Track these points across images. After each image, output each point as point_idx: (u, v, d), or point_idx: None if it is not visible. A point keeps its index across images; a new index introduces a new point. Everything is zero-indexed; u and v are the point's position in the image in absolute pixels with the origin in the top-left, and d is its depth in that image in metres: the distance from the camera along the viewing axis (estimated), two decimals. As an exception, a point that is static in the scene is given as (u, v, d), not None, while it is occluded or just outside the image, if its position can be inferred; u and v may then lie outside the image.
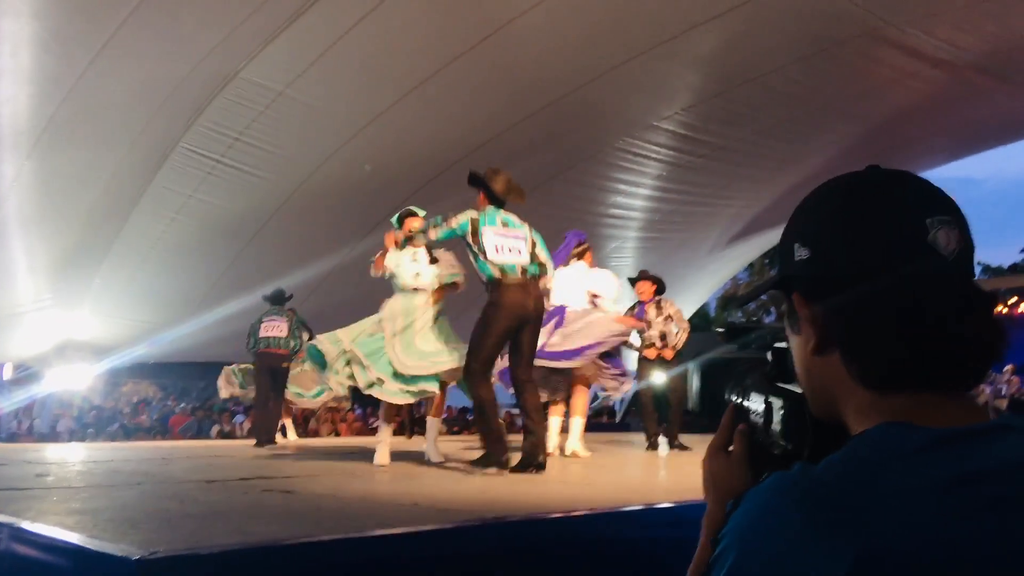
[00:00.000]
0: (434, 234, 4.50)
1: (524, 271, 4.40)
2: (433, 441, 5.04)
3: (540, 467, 4.22)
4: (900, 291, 0.77)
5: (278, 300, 8.31)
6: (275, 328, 7.99)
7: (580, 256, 6.25)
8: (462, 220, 4.46)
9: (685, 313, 16.40)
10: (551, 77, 9.30)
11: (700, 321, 18.92)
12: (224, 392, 8.97)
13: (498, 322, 4.30)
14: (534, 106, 9.72)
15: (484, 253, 4.36)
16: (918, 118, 10.75)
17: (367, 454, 5.92)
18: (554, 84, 9.43)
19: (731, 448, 0.99)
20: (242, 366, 8.74)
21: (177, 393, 17.08)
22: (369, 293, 10.34)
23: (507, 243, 4.38)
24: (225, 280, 10.49)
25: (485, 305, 4.39)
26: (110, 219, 10.26)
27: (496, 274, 4.35)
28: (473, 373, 4.31)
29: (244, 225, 10.71)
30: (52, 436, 12.26)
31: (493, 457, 4.22)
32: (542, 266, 4.52)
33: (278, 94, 8.93)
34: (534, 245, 4.56)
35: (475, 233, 4.41)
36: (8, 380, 13.45)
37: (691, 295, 15.31)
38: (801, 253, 0.83)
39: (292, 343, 7.97)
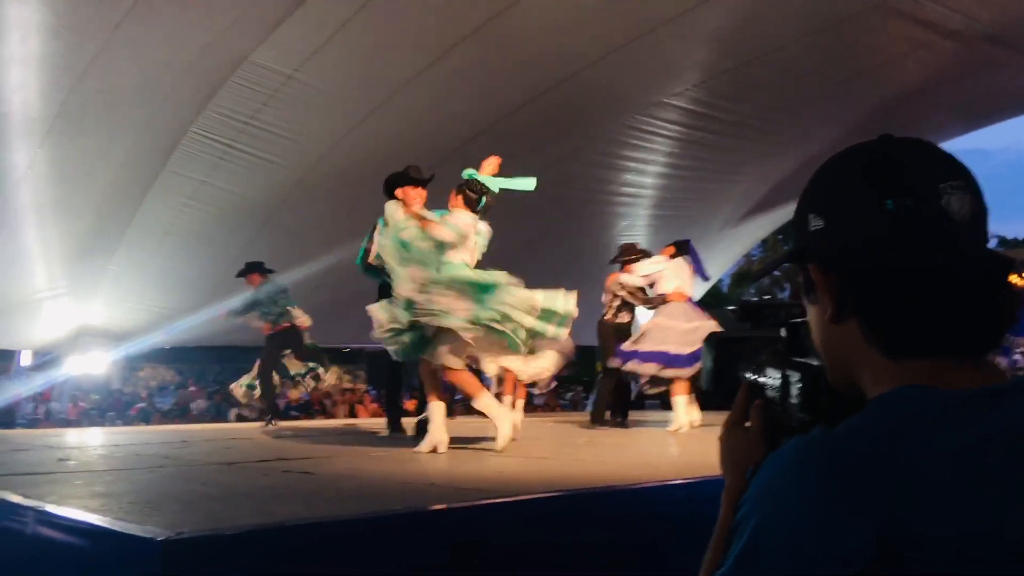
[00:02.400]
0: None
1: None
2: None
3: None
4: (914, 257, 0.78)
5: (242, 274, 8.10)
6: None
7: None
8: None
9: (699, 291, 16.36)
10: (560, 56, 9.26)
11: (713, 299, 18.86)
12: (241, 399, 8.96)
13: None
14: (543, 85, 9.68)
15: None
16: (930, 90, 10.64)
17: (384, 435, 5.97)
18: (563, 63, 9.38)
19: (747, 424, 1.00)
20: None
21: (194, 377, 17.22)
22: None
23: None
24: (239, 265, 10.52)
25: None
26: (123, 205, 10.31)
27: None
28: None
29: (257, 210, 10.74)
30: (72, 421, 12.39)
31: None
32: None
33: (287, 78, 8.92)
34: None
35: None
36: (27, 367, 13.58)
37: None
38: (816, 223, 0.84)
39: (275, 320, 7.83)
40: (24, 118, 8.80)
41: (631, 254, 7.25)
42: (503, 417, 4.31)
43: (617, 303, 7.24)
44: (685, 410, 6.33)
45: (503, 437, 4.21)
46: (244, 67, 8.73)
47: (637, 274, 6.97)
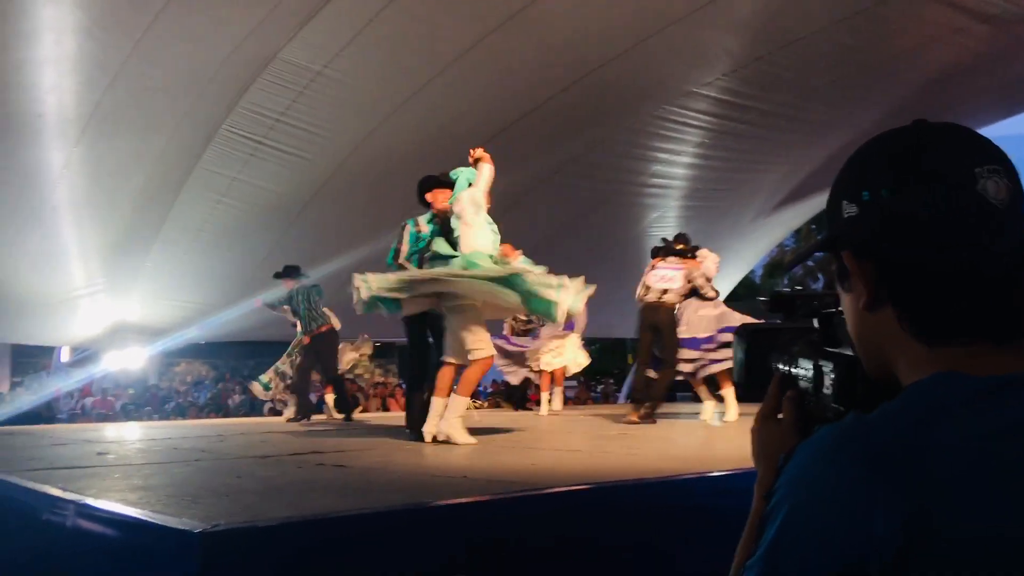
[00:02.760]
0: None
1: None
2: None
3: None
4: (951, 243, 0.76)
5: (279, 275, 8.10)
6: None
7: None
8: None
9: (731, 282, 16.25)
10: (588, 46, 9.22)
11: (746, 290, 18.70)
12: (261, 395, 9.06)
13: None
14: (571, 77, 9.64)
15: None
16: (965, 75, 10.45)
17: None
18: (591, 53, 9.34)
19: (780, 416, 0.99)
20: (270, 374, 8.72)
21: (229, 372, 17.44)
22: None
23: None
24: (272, 260, 10.63)
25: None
26: (158, 203, 10.45)
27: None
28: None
29: (288, 205, 10.83)
30: (110, 416, 12.61)
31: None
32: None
33: (316, 74, 8.98)
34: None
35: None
36: (66, 363, 13.84)
37: (736, 264, 15.14)
38: (849, 210, 0.82)
39: (307, 323, 7.81)
40: (59, 118, 8.95)
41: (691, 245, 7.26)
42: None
43: (685, 291, 7.05)
44: (734, 401, 6.44)
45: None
46: (273, 64, 8.80)
47: (712, 265, 7.02)
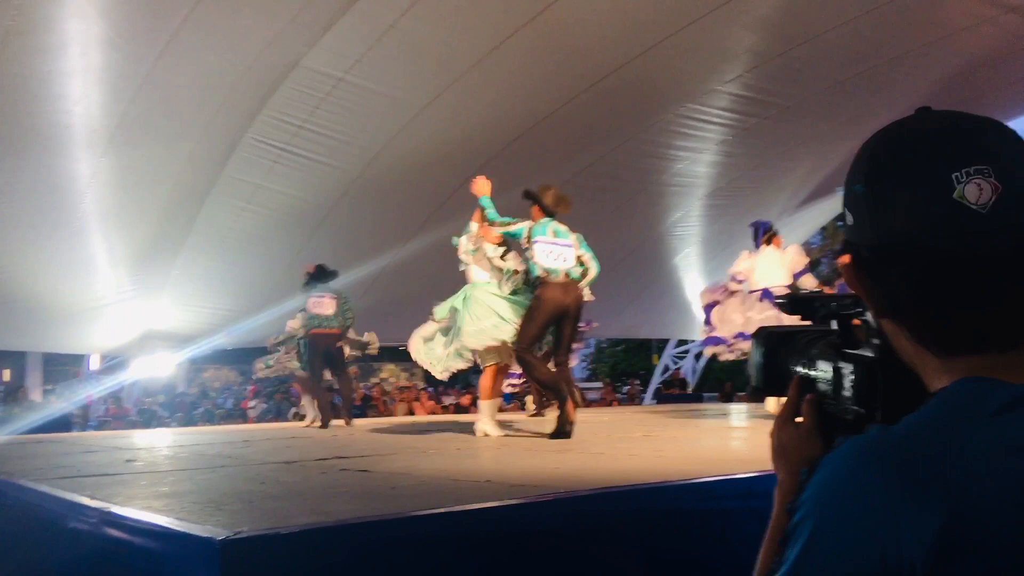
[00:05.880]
0: (499, 226, 5.34)
1: (567, 274, 5.14)
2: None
3: (567, 435, 4.88)
4: (929, 257, 0.72)
5: (322, 277, 7.88)
6: (322, 306, 7.61)
7: (768, 241, 7.10)
8: (519, 227, 5.25)
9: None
10: (609, 47, 9.19)
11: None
12: (260, 374, 9.07)
13: (540, 314, 5.06)
14: (593, 77, 9.62)
15: (534, 256, 5.14)
16: (993, 66, 10.30)
17: (440, 432, 6.01)
18: (612, 54, 9.31)
19: (799, 419, 0.98)
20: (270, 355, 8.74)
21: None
22: (439, 272, 10.43)
23: (555, 251, 5.15)
24: (297, 266, 10.70)
25: (531, 299, 5.13)
26: (184, 210, 10.56)
27: (541, 274, 5.09)
28: (517, 348, 5.09)
29: (312, 212, 10.91)
30: (138, 422, 12.76)
31: (560, 431, 4.89)
32: (585, 269, 5.30)
33: (338, 80, 9.03)
34: (580, 255, 5.32)
35: (528, 239, 5.20)
36: (96, 370, 14.02)
37: (761, 262, 15.00)
38: (848, 218, 0.80)
39: (343, 321, 7.65)
40: (86, 129, 9.07)
41: None
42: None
43: None
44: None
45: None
46: (296, 72, 8.86)
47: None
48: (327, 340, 7.59)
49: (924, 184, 0.73)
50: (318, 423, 7.48)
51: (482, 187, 5.55)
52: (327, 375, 7.87)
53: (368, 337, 8.36)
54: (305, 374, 8.13)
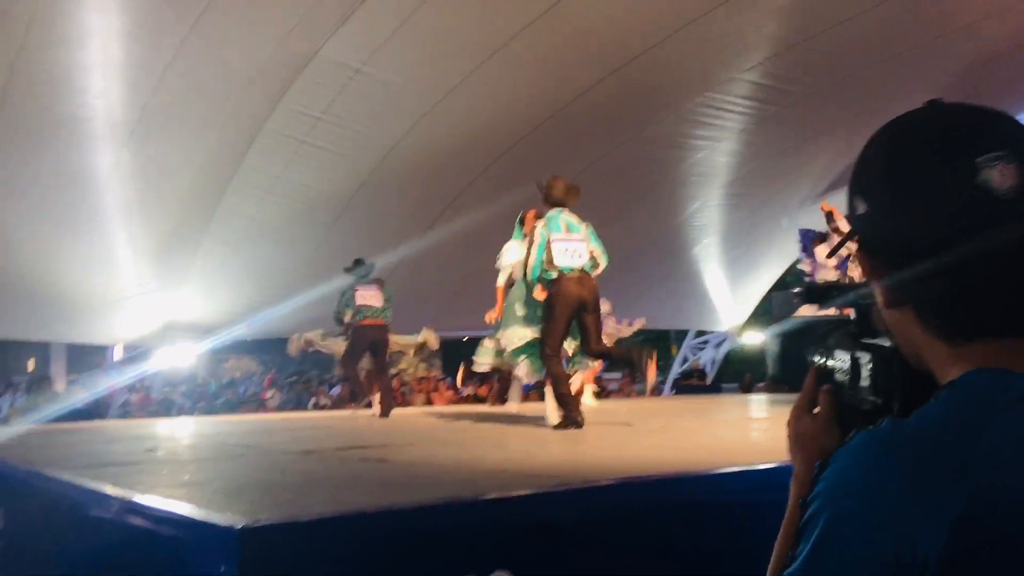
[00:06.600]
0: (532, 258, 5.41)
1: (581, 269, 5.20)
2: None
3: (579, 425, 4.98)
4: (952, 242, 0.72)
5: (366, 273, 7.99)
6: (371, 297, 7.68)
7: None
8: (540, 238, 5.25)
9: (775, 271, 16.02)
10: (626, 35, 9.13)
11: (795, 279, 18.44)
12: (294, 349, 9.06)
13: (559, 310, 5.12)
14: (610, 66, 9.57)
15: (552, 257, 5.16)
16: (1012, 56, 10.14)
17: (458, 422, 6.04)
18: (630, 42, 9.26)
19: (816, 409, 0.97)
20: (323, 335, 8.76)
21: (276, 368, 17.71)
22: (457, 265, 10.41)
23: (570, 248, 5.19)
24: (317, 258, 10.73)
25: (548, 298, 5.19)
26: (205, 203, 10.62)
27: (555, 274, 5.15)
28: (546, 354, 5.18)
29: (331, 203, 10.93)
30: (160, 412, 12.89)
31: (569, 419, 4.96)
32: (595, 261, 5.31)
33: (356, 72, 9.04)
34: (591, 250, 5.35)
35: (548, 243, 5.26)
36: (119, 361, 14.17)
37: (780, 252, 14.92)
38: (860, 207, 0.79)
39: (388, 313, 7.72)
40: (108, 122, 9.14)
41: None
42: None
43: None
44: None
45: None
46: (314, 63, 8.87)
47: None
48: (375, 332, 7.64)
49: (946, 170, 0.73)
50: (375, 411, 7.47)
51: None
52: (365, 362, 7.84)
53: (424, 336, 8.44)
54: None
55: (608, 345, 5.90)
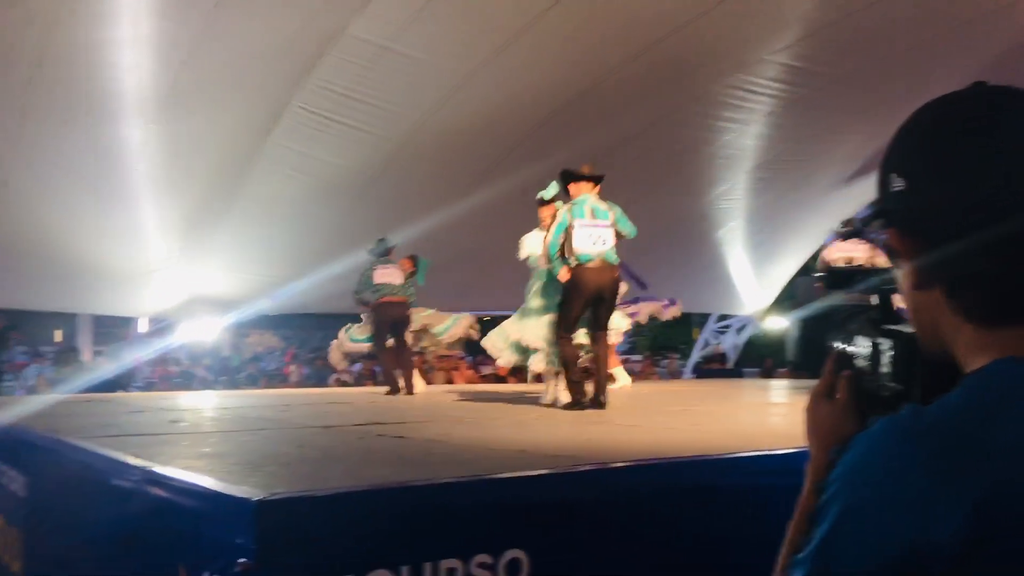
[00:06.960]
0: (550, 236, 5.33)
1: (603, 259, 5.14)
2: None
3: (601, 405, 5.08)
4: (994, 220, 0.71)
5: (385, 252, 8.05)
6: (389, 275, 7.71)
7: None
8: (561, 221, 5.20)
9: (801, 256, 15.86)
10: (657, 14, 9.03)
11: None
12: (339, 365, 9.11)
13: (576, 296, 5.11)
14: (640, 45, 9.47)
15: (574, 241, 5.11)
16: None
17: (477, 401, 6.06)
18: (660, 22, 9.15)
19: (836, 395, 0.96)
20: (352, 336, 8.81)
21: (297, 343, 17.85)
22: (482, 244, 10.39)
23: (595, 234, 5.12)
24: (341, 234, 10.76)
25: (567, 282, 5.16)
26: (231, 178, 10.69)
27: (573, 262, 5.13)
28: (558, 334, 5.23)
29: (357, 179, 10.95)
30: (183, 384, 13.05)
31: (575, 402, 5.07)
32: (618, 241, 5.24)
33: (383, 49, 9.02)
34: (617, 231, 5.27)
35: (569, 227, 5.20)
36: (143, 333, 14.35)
37: (806, 237, 14.76)
38: (897, 184, 0.78)
39: (409, 291, 7.77)
40: (138, 97, 9.20)
41: None
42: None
43: None
44: None
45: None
46: (341, 40, 8.86)
47: None
48: (396, 309, 7.65)
49: (998, 150, 0.72)
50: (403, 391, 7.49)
51: None
52: (389, 342, 7.84)
53: (465, 330, 8.49)
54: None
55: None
